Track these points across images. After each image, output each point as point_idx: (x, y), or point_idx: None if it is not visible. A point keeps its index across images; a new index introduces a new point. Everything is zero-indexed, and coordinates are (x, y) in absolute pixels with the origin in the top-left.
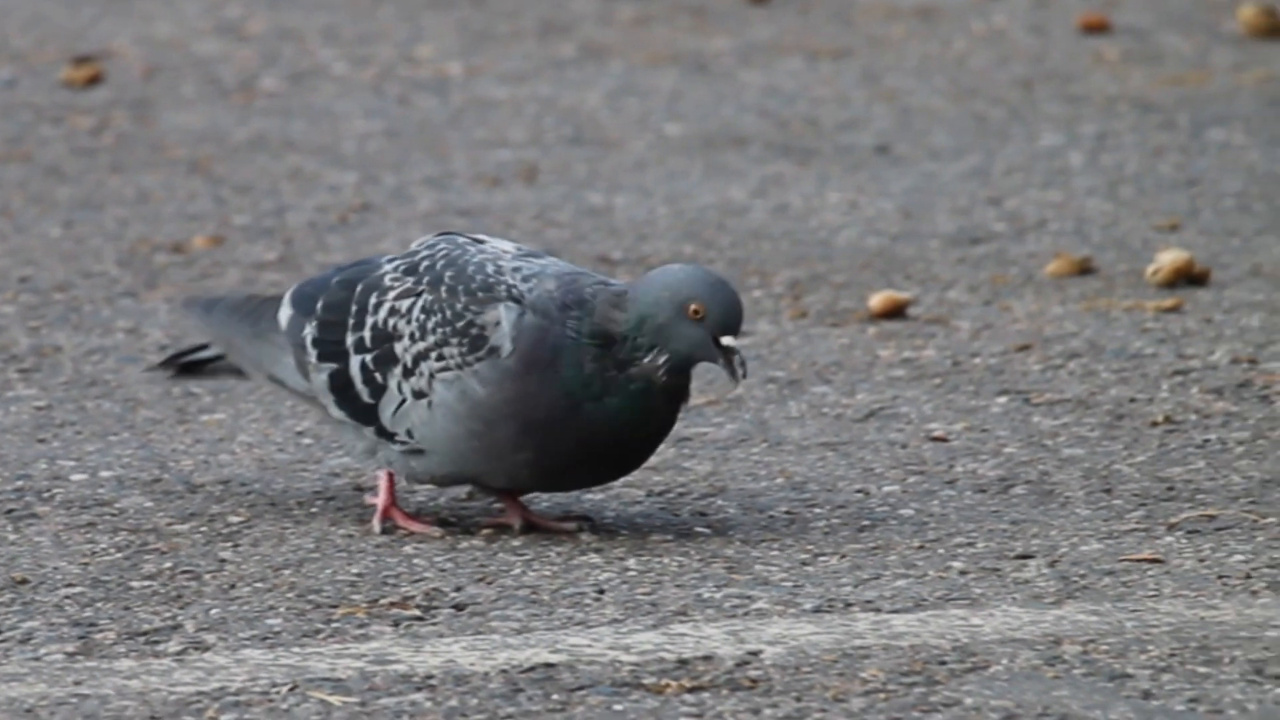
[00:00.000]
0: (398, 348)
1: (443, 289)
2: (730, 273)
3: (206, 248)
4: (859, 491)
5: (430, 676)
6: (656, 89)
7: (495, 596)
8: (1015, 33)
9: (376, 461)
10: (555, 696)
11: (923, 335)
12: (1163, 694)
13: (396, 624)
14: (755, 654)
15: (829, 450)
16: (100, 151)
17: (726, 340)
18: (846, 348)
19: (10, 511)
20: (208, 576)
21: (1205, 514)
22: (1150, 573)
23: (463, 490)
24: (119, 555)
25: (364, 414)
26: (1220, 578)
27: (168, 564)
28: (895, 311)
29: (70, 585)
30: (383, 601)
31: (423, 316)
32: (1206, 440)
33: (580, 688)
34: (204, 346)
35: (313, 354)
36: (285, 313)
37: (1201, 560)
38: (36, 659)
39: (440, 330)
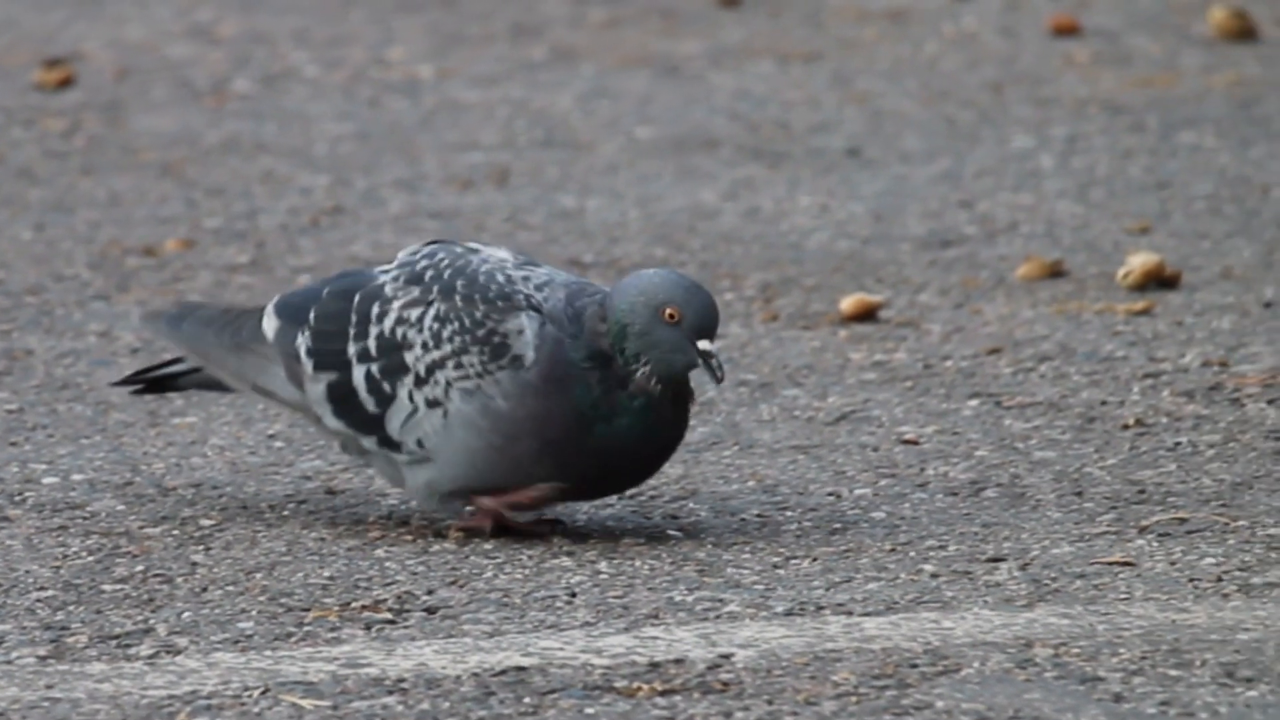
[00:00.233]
0: (408, 357)
1: (457, 297)
2: (702, 276)
3: (178, 250)
4: (830, 494)
5: (402, 680)
6: (628, 92)
7: (467, 600)
8: (986, 35)
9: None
10: (527, 700)
11: (894, 338)
12: (1134, 697)
13: (368, 627)
14: (727, 657)
15: (800, 453)
16: (71, 154)
17: (703, 344)
18: (818, 351)
19: None
20: (180, 580)
21: (1176, 517)
22: (1122, 576)
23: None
24: (91, 558)
25: (365, 424)
26: (1191, 580)
27: (140, 567)
28: (866, 314)
29: (42, 589)
30: (355, 605)
31: (436, 325)
32: (1178, 443)
33: (552, 691)
34: (173, 361)
35: (308, 364)
36: (271, 324)
37: (1173, 563)
38: (8, 662)
39: (459, 339)
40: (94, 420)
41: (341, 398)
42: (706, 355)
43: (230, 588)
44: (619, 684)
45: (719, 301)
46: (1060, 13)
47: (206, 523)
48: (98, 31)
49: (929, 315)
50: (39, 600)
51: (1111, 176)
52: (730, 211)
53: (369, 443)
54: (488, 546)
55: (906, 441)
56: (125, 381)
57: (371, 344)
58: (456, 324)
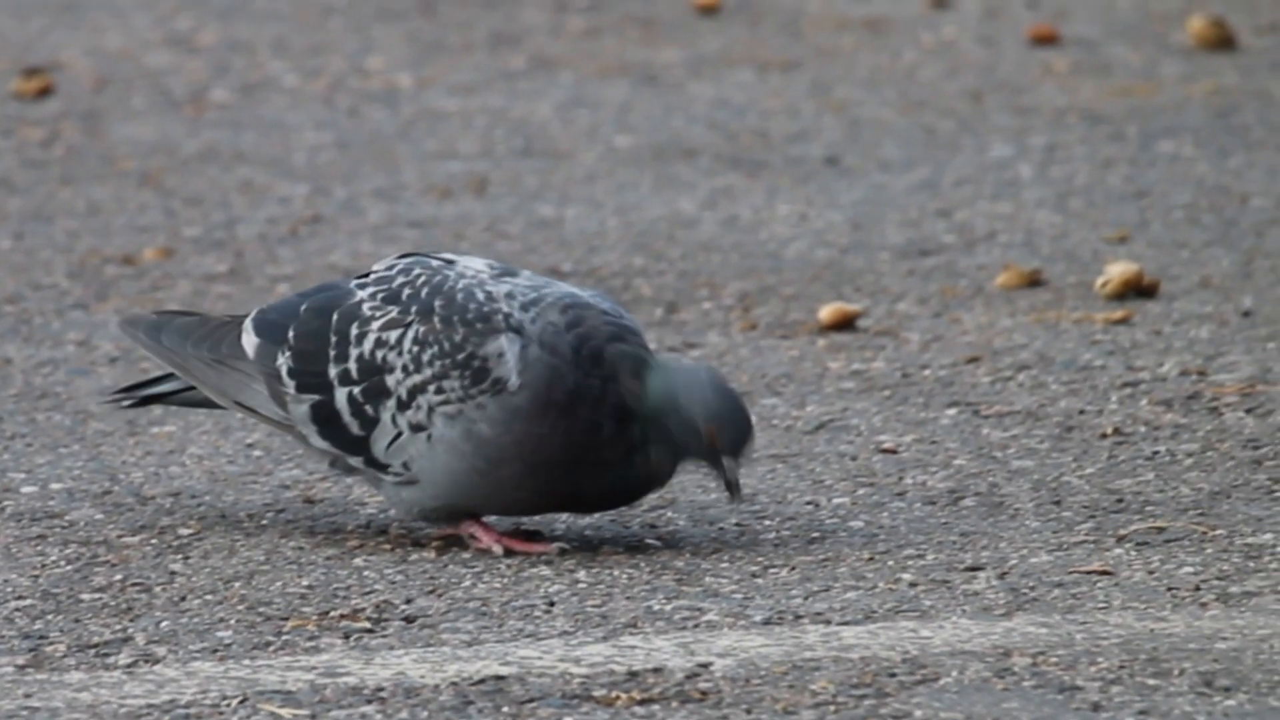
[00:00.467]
0: (389, 380)
1: (436, 319)
2: (680, 285)
3: (157, 260)
4: (809, 503)
5: (381, 689)
6: (606, 101)
7: (445, 609)
8: (965, 44)
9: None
10: (505, 709)
11: (872, 347)
12: (1112, 706)
13: (347, 636)
14: (705, 666)
15: (779, 462)
16: (50, 163)
17: (729, 462)
18: (796, 360)
19: None
20: (158, 589)
21: (1155, 526)
22: (1100, 585)
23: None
24: (69, 568)
25: (351, 445)
26: (1169, 590)
27: (118, 576)
28: (845, 324)
29: (20, 598)
30: (333, 614)
31: (416, 349)
32: (1156, 452)
33: (530, 700)
34: (164, 378)
35: (290, 385)
36: (250, 340)
37: (1151, 572)
38: None
39: (439, 363)
40: (72, 429)
41: (326, 419)
42: (731, 476)
43: (209, 597)
44: (597, 693)
45: (697, 311)
46: (1039, 22)
47: (185, 532)
48: (76, 40)
49: (907, 324)
50: (17, 609)
51: (1090, 186)
52: (709, 220)
53: (356, 462)
54: (466, 556)
55: (885, 450)
56: (115, 396)
57: (352, 366)
58: (436, 348)
